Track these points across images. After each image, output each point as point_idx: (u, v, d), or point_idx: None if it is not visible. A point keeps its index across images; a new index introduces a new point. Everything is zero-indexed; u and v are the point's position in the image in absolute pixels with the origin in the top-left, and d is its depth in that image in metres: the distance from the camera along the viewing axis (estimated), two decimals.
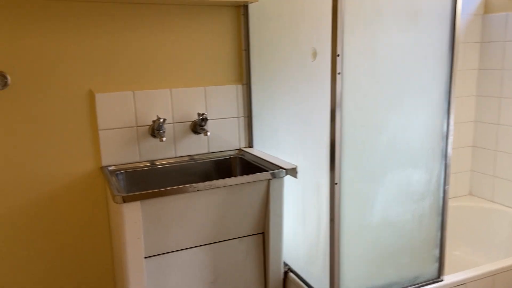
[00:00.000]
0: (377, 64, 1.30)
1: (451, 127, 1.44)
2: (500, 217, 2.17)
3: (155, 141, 1.72)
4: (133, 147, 1.69)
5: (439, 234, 1.52)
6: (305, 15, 1.37)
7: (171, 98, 1.73)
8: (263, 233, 1.58)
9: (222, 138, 1.85)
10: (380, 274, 1.46)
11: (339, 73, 1.22)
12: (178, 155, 1.78)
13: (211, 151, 1.84)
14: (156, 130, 1.65)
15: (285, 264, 1.68)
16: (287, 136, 1.59)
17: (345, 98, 1.26)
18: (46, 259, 1.64)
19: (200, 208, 1.42)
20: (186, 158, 1.77)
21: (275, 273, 1.61)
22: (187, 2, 1.67)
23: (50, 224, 1.62)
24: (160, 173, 1.70)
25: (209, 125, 1.80)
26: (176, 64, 1.73)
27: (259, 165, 1.65)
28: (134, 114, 1.67)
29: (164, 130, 1.67)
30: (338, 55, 1.21)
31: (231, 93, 1.83)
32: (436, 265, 1.55)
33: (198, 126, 1.73)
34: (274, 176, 1.49)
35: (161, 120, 1.63)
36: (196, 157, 1.79)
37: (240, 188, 1.47)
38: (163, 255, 1.42)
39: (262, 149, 1.81)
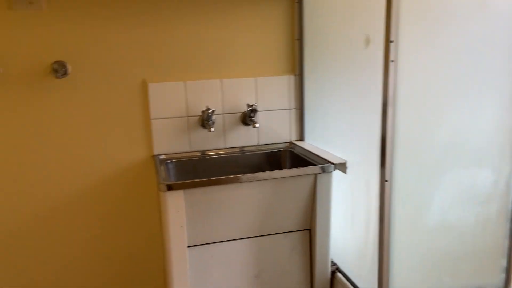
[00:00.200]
0: (438, 53, 1.18)
1: None
2: None
3: (205, 131, 1.72)
4: (184, 137, 1.70)
5: (507, 242, 1.36)
6: None
7: (221, 89, 1.72)
8: (309, 230, 1.52)
9: (273, 130, 1.81)
10: (435, 281, 1.34)
11: (392, 61, 1.12)
12: (228, 146, 1.77)
13: (261, 143, 1.80)
14: (205, 120, 1.65)
15: (333, 264, 1.61)
16: (338, 129, 1.51)
17: (399, 89, 1.16)
18: (101, 242, 1.72)
19: (244, 200, 1.40)
20: (236, 150, 1.76)
21: (322, 272, 1.54)
22: None
23: (104, 209, 1.69)
24: (209, 164, 1.71)
25: (259, 117, 1.77)
26: (227, 55, 1.71)
27: (308, 159, 1.59)
28: (185, 104, 1.69)
29: (213, 120, 1.67)
30: (392, 41, 1.11)
31: (283, 84, 1.78)
32: (503, 276, 1.39)
33: (248, 118, 1.71)
34: (321, 170, 1.43)
35: (210, 111, 1.63)
36: (245, 149, 1.76)
37: (286, 182, 1.42)
38: (206, 245, 1.42)
39: (313, 143, 1.74)
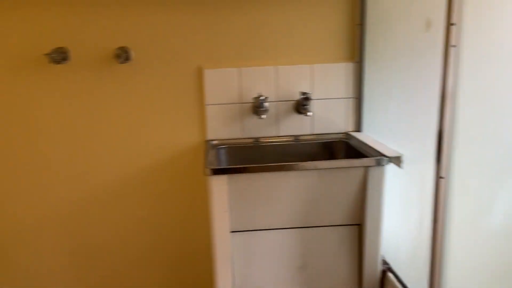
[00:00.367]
0: (507, 38, 1.04)
1: None
2: None
3: (257, 118, 1.70)
4: (236, 123, 1.71)
5: None
6: None
7: (275, 76, 1.69)
8: (360, 225, 1.45)
9: (328, 120, 1.74)
10: None
11: (453, 46, 1.01)
12: (280, 134, 1.74)
13: (314, 132, 1.75)
14: (257, 107, 1.63)
15: (385, 262, 1.52)
16: (395, 121, 1.41)
17: (460, 78, 1.05)
18: (153, 221, 1.79)
19: (289, 189, 1.37)
20: (288, 138, 1.72)
21: (371, 271, 1.47)
22: None
23: (158, 190, 1.76)
24: (261, 151, 1.69)
25: (313, 106, 1.72)
26: (283, 41, 1.68)
27: (362, 151, 1.51)
28: (239, 91, 1.69)
29: (265, 108, 1.65)
30: (453, 24, 1.00)
31: (341, 72, 1.71)
32: None
33: (301, 106, 1.66)
34: (372, 163, 1.35)
35: (262, 98, 1.61)
36: (298, 137, 1.73)
37: (334, 173, 1.36)
38: (250, 232, 1.41)
39: (371, 134, 1.65)
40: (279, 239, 1.43)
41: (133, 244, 1.81)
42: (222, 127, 1.71)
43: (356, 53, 1.70)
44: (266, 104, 1.67)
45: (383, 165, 1.36)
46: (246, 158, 1.68)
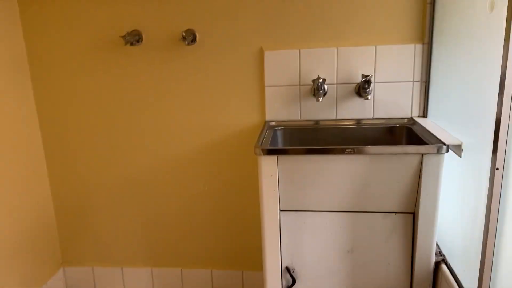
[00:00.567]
0: None
1: None
2: None
3: (315, 101, 1.70)
4: (295, 105, 1.73)
5: None
6: None
7: (336, 58, 1.66)
8: (413, 214, 1.40)
9: (391, 104, 1.68)
10: None
11: None
12: (340, 117, 1.72)
13: (376, 117, 1.70)
14: (315, 90, 1.63)
15: (440, 254, 1.46)
16: (459, 107, 1.33)
17: None
18: (213, 194, 1.90)
19: (339, 172, 1.37)
20: (348, 122, 1.70)
21: (424, 261, 1.42)
22: None
23: (218, 165, 1.85)
24: (319, 134, 1.70)
25: (376, 89, 1.67)
26: (345, 21, 1.64)
27: (422, 138, 1.45)
28: (298, 73, 1.69)
29: (323, 90, 1.64)
30: None
31: (407, 53, 1.63)
32: None
33: (362, 89, 1.62)
34: (428, 151, 1.29)
35: (321, 80, 1.60)
36: (359, 121, 1.69)
37: (386, 159, 1.33)
38: (300, 212, 1.44)
39: (436, 120, 1.57)
40: (328, 222, 1.44)
41: (193, 215, 1.94)
42: (281, 109, 1.73)
43: (425, 33, 1.61)
44: (324, 86, 1.66)
45: (440, 153, 1.29)
46: (304, 140, 1.70)
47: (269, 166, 1.37)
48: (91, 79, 1.83)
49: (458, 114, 1.33)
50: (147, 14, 1.72)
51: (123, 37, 1.68)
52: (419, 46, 1.61)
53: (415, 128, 1.57)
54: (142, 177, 1.92)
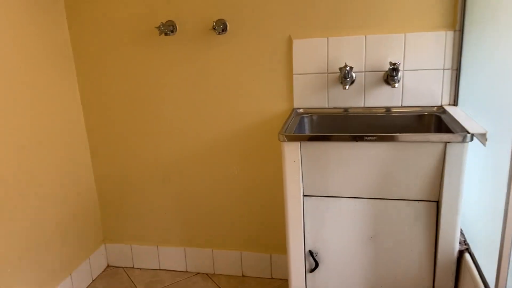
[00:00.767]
0: None
1: None
2: None
3: (342, 89, 1.72)
4: (323, 93, 1.75)
5: None
6: None
7: (365, 46, 1.67)
8: (437, 202, 1.41)
9: (420, 92, 1.67)
10: None
11: None
12: (367, 105, 1.73)
13: (404, 105, 1.70)
14: (343, 78, 1.65)
15: (465, 243, 1.46)
16: (487, 96, 1.31)
17: None
18: (242, 179, 1.97)
19: (362, 159, 1.39)
20: (375, 110, 1.71)
21: (447, 250, 1.42)
22: None
23: (247, 150, 1.92)
24: (346, 121, 1.72)
25: (405, 77, 1.66)
26: (373, 8, 1.64)
27: (449, 126, 1.43)
28: (326, 61, 1.71)
29: (351, 78, 1.65)
30: None
31: (438, 41, 1.61)
32: None
33: (389, 77, 1.62)
34: (451, 139, 1.28)
35: (348, 68, 1.62)
36: (388, 109, 1.70)
37: (409, 147, 1.33)
38: (323, 197, 1.48)
39: (467, 108, 1.54)
40: (351, 208, 1.47)
41: (224, 198, 2.03)
42: (309, 96, 1.76)
43: (457, 20, 1.58)
44: (352, 74, 1.67)
45: (464, 142, 1.28)
46: (330, 127, 1.72)
47: (292, 152, 1.42)
48: (129, 67, 1.94)
49: (486, 102, 1.31)
50: (179, 4, 1.79)
51: (158, 27, 1.76)
52: (450, 33, 1.59)
53: (443, 116, 1.56)
54: (177, 161, 2.02)
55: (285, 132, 1.43)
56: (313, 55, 1.71)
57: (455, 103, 1.64)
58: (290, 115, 1.69)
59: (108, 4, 1.88)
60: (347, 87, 1.61)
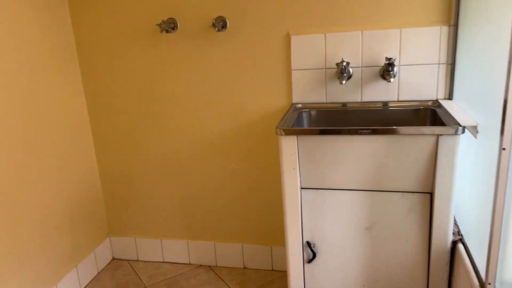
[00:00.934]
0: None
1: None
2: None
3: (339, 84, 1.75)
4: (321, 88, 1.78)
5: None
6: None
7: (361, 41, 1.70)
8: (431, 194, 1.44)
9: (416, 86, 1.70)
10: None
11: None
12: (364, 100, 1.76)
13: (401, 99, 1.73)
14: (340, 73, 1.68)
15: (458, 234, 1.49)
16: (477, 88, 1.34)
17: None
18: (242, 173, 2.01)
19: (357, 152, 1.42)
20: (372, 104, 1.74)
21: (441, 241, 1.46)
22: None
23: (247, 146, 1.96)
24: (342, 116, 1.75)
25: (402, 72, 1.69)
26: (370, 5, 1.66)
27: (443, 119, 1.47)
28: (324, 57, 1.75)
29: (347, 73, 1.68)
30: None
31: (433, 36, 1.63)
32: None
33: (385, 72, 1.65)
34: (443, 132, 1.31)
35: (345, 63, 1.65)
36: (382, 104, 1.73)
37: (402, 140, 1.37)
38: (320, 190, 1.52)
39: (461, 102, 1.57)
40: (347, 200, 1.51)
41: (226, 192, 2.07)
42: (307, 92, 1.80)
43: (452, 15, 1.60)
44: (349, 69, 1.70)
45: (455, 134, 1.31)
46: (328, 122, 1.76)
47: (289, 145, 1.45)
48: (132, 64, 1.98)
49: (478, 96, 1.34)
50: (182, 3, 1.84)
51: (159, 25, 1.81)
52: (445, 28, 1.61)
53: (438, 110, 1.59)
54: (179, 155, 2.07)
55: (282, 126, 1.47)
56: (311, 51, 1.75)
57: (450, 97, 1.67)
58: (288, 110, 1.73)
59: (111, 3, 1.92)
60: (344, 82, 1.64)
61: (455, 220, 1.57)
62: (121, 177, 2.19)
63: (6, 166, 1.64)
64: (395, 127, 1.35)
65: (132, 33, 1.94)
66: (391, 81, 1.61)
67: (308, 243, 1.58)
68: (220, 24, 1.80)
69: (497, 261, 1.16)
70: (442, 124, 1.41)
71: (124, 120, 2.09)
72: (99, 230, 2.24)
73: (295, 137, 1.44)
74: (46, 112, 1.84)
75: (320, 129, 1.42)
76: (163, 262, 2.29)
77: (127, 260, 2.33)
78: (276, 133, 1.45)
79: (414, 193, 1.45)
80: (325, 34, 1.72)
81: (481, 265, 1.27)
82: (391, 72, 1.63)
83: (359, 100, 1.76)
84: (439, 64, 1.65)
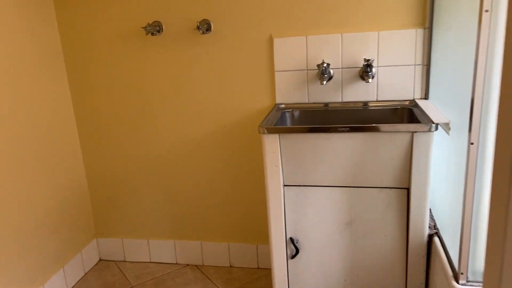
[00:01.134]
0: None
1: None
2: None
3: (320, 84, 1.81)
4: (303, 88, 1.84)
5: None
6: None
7: (341, 43, 1.76)
8: (407, 189, 1.50)
9: (394, 87, 1.76)
10: None
11: (486, 11, 1.01)
12: (345, 100, 1.82)
13: (380, 99, 1.79)
14: (321, 74, 1.74)
15: (434, 227, 1.55)
16: (449, 88, 1.41)
17: (497, 44, 1.04)
18: (228, 173, 2.05)
19: (337, 150, 1.48)
20: (352, 104, 1.80)
21: (417, 234, 1.52)
22: None
23: (232, 145, 2.00)
24: (323, 115, 1.81)
25: (380, 73, 1.75)
26: (349, 8, 1.73)
27: (419, 118, 1.53)
28: (306, 58, 1.80)
29: (328, 74, 1.74)
30: None
31: (409, 38, 1.70)
32: None
33: (364, 73, 1.72)
34: (417, 129, 1.38)
35: (325, 65, 1.71)
36: (362, 104, 1.79)
37: (379, 137, 1.43)
38: (302, 187, 1.57)
39: (436, 101, 1.64)
40: (328, 196, 1.56)
41: (212, 192, 2.11)
42: (290, 92, 1.85)
43: (426, 18, 1.67)
44: (330, 70, 1.76)
45: (429, 131, 1.38)
46: (310, 121, 1.81)
47: (271, 144, 1.50)
48: (117, 66, 2.02)
49: (450, 95, 1.40)
50: (167, 6, 1.88)
51: (144, 27, 1.84)
52: (420, 31, 1.68)
53: (415, 109, 1.65)
54: (166, 156, 2.10)
55: (265, 125, 1.52)
56: (293, 53, 1.80)
57: (426, 96, 1.74)
58: (271, 110, 1.78)
59: (97, 6, 1.95)
60: (324, 82, 1.70)
61: (431, 214, 1.64)
62: (107, 178, 2.22)
63: None
64: (372, 124, 1.41)
65: (118, 36, 1.97)
66: (370, 81, 1.67)
67: (292, 239, 1.63)
68: (205, 27, 1.84)
69: (469, 252, 1.22)
70: (417, 121, 1.48)
71: (110, 122, 2.11)
72: (86, 231, 2.26)
73: (277, 135, 1.49)
74: (32, 114, 1.86)
75: (301, 127, 1.47)
76: (150, 262, 2.31)
77: (114, 261, 2.35)
78: (259, 132, 1.50)
79: (391, 189, 1.50)
80: (306, 37, 1.77)
81: (455, 256, 1.33)
82: (370, 73, 1.69)
83: (340, 100, 1.82)
84: (415, 65, 1.72)
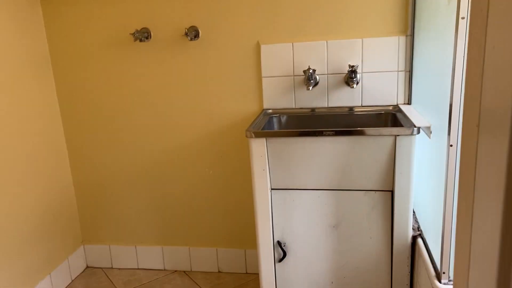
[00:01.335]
0: None
1: None
2: None
3: (306, 90, 1.85)
4: (290, 94, 1.87)
5: None
6: None
7: (326, 50, 1.80)
8: (391, 191, 1.54)
9: (378, 92, 1.81)
10: None
11: (462, 18, 1.05)
12: (330, 105, 1.86)
13: (364, 104, 1.83)
14: (306, 80, 1.78)
15: (418, 229, 1.59)
16: (430, 93, 1.45)
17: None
18: (216, 177, 2.07)
19: (322, 154, 1.51)
20: (338, 109, 1.84)
21: (402, 236, 1.55)
22: None
23: (220, 150, 2.02)
24: (310, 120, 1.84)
25: (364, 79, 1.80)
26: (334, 16, 1.77)
27: (401, 122, 1.57)
28: (292, 64, 1.84)
29: (314, 80, 1.78)
30: None
31: (392, 45, 1.75)
32: None
33: (349, 78, 1.76)
34: (400, 132, 1.41)
35: (311, 71, 1.75)
36: (347, 109, 1.83)
37: (363, 141, 1.46)
38: (289, 190, 1.59)
39: (418, 106, 1.69)
40: (315, 199, 1.58)
41: (199, 197, 2.12)
42: (277, 98, 1.89)
43: (408, 26, 1.73)
44: (316, 76, 1.80)
45: (411, 135, 1.42)
46: (297, 126, 1.85)
47: (258, 147, 1.53)
48: (106, 73, 2.03)
49: (431, 100, 1.45)
50: (155, 13, 1.90)
51: (132, 34, 1.86)
52: (402, 38, 1.73)
53: (398, 114, 1.70)
54: (153, 163, 2.11)
55: (252, 129, 1.55)
56: (280, 59, 1.84)
57: (409, 102, 1.78)
58: (258, 115, 1.81)
59: (85, 12, 1.97)
60: (310, 88, 1.73)
61: (415, 216, 1.67)
62: (94, 185, 2.21)
63: None
64: (356, 128, 1.44)
65: (106, 42, 1.98)
66: (354, 87, 1.72)
67: (279, 243, 1.65)
68: (193, 33, 1.87)
69: (450, 252, 1.25)
70: (400, 125, 1.52)
71: (97, 128, 2.12)
72: (72, 238, 2.25)
73: (264, 139, 1.52)
74: (18, 119, 1.86)
75: (288, 131, 1.50)
76: (138, 269, 2.31)
77: (101, 268, 2.34)
78: (246, 136, 1.53)
79: (376, 192, 1.54)
80: (292, 43, 1.81)
81: (437, 256, 1.37)
82: (354, 79, 1.73)
83: (326, 106, 1.86)
84: (398, 71, 1.77)
